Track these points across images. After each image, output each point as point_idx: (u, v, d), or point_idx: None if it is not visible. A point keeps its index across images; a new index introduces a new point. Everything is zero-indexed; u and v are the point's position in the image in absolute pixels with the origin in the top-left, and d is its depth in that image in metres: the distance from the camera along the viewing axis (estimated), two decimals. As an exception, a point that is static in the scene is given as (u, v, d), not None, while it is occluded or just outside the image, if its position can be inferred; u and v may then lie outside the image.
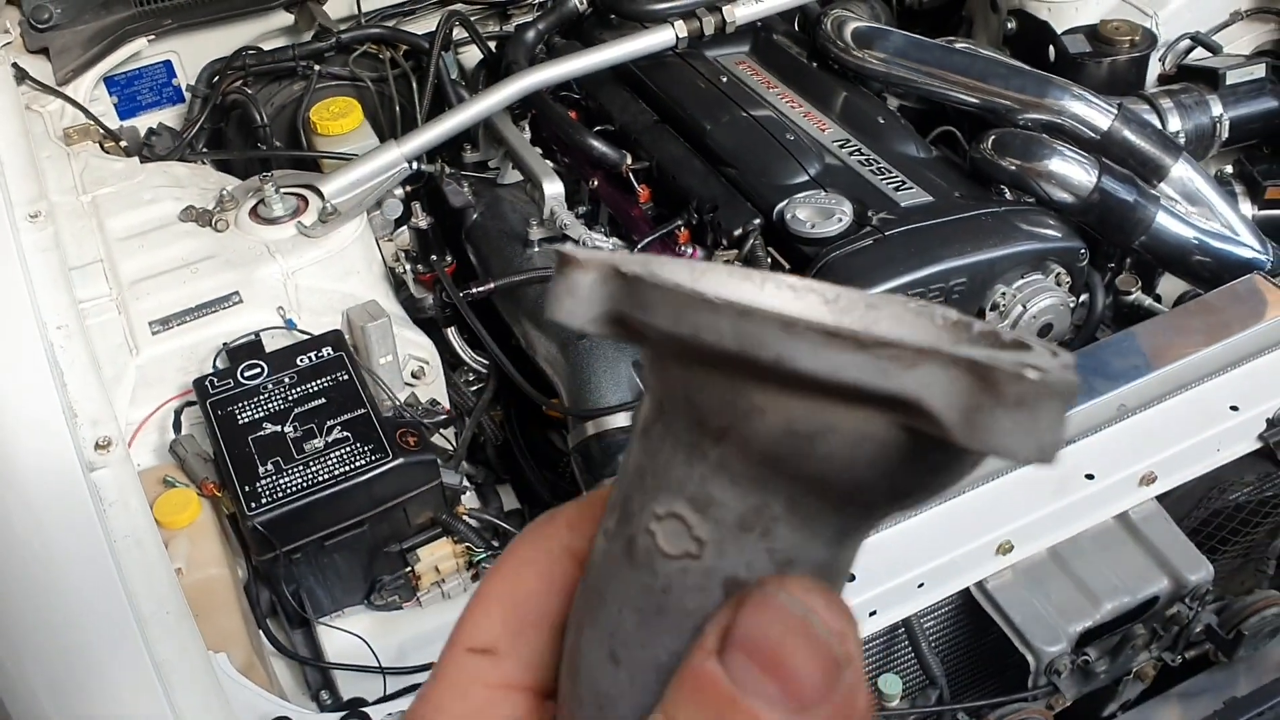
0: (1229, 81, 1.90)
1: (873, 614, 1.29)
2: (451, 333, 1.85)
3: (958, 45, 1.99)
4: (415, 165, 1.82)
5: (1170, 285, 1.87)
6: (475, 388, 1.86)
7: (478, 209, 1.93)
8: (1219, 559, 1.51)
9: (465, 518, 1.53)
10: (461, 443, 1.74)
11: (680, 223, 1.73)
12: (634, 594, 0.31)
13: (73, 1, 1.98)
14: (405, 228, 1.88)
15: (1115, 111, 1.78)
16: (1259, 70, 1.90)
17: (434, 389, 1.73)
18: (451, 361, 1.86)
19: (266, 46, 2.13)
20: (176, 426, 1.51)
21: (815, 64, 2.05)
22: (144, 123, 2.04)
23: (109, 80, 2.02)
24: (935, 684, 1.37)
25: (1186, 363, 1.50)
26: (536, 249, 1.81)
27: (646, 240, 1.72)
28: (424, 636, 1.44)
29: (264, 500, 1.37)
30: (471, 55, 2.24)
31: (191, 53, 2.07)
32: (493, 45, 2.22)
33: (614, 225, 1.91)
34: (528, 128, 2.03)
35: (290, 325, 1.59)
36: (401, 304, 1.79)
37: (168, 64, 2.05)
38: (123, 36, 2.00)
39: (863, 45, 1.98)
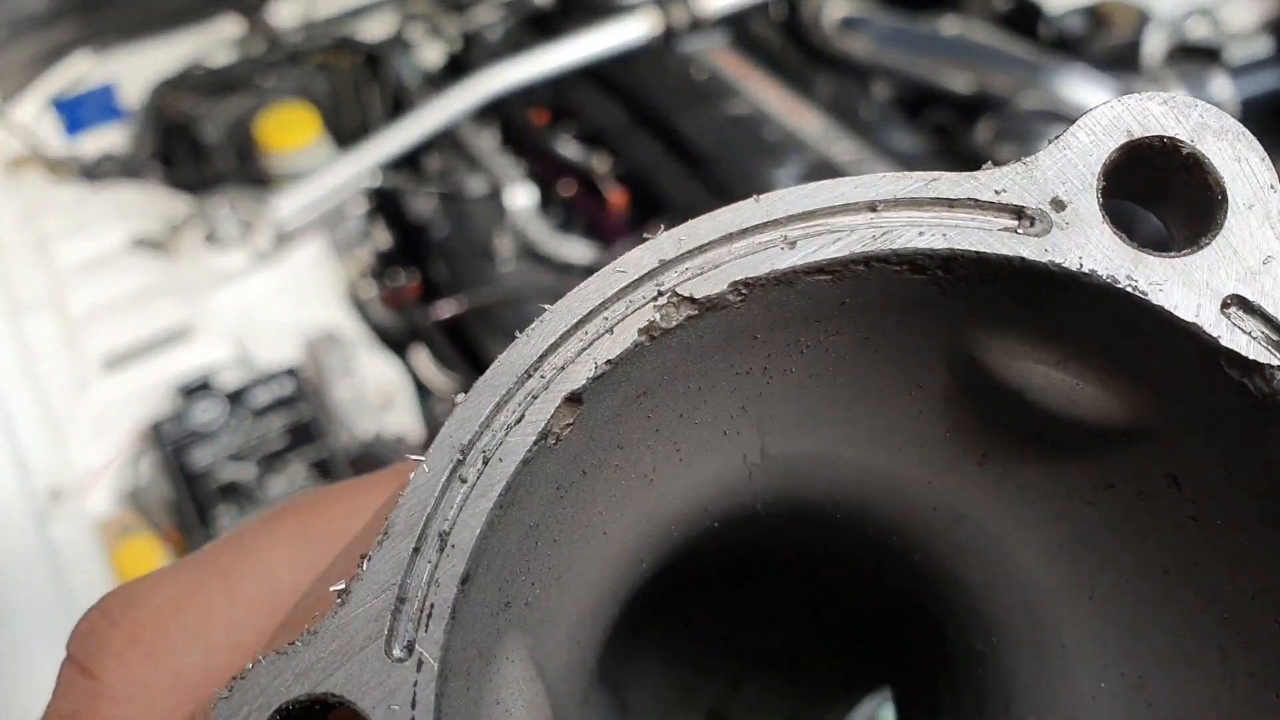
0: (1234, 59, 1.90)
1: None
2: (421, 354, 1.88)
3: (949, 28, 2.01)
4: (376, 178, 1.84)
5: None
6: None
7: (444, 223, 1.96)
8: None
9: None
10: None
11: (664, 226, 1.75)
12: None
13: (14, 21, 2.01)
14: (367, 244, 1.90)
15: (1117, 95, 1.79)
16: (1262, 45, 1.91)
17: (405, 416, 1.76)
18: (422, 384, 1.88)
19: (215, 62, 2.15)
20: (134, 472, 1.55)
21: (798, 54, 2.07)
22: (92, 139, 2.07)
23: (56, 103, 2.05)
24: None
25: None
26: (508, 266, 1.83)
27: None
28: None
29: (226, 547, 1.41)
30: (432, 56, 2.25)
31: (136, 72, 2.09)
32: (457, 45, 2.24)
33: (591, 231, 1.93)
34: (495, 132, 2.05)
35: (245, 363, 1.62)
36: (367, 326, 1.82)
37: (111, 88, 2.07)
38: (66, 49, 2.03)
39: (848, 32, 1.99)
